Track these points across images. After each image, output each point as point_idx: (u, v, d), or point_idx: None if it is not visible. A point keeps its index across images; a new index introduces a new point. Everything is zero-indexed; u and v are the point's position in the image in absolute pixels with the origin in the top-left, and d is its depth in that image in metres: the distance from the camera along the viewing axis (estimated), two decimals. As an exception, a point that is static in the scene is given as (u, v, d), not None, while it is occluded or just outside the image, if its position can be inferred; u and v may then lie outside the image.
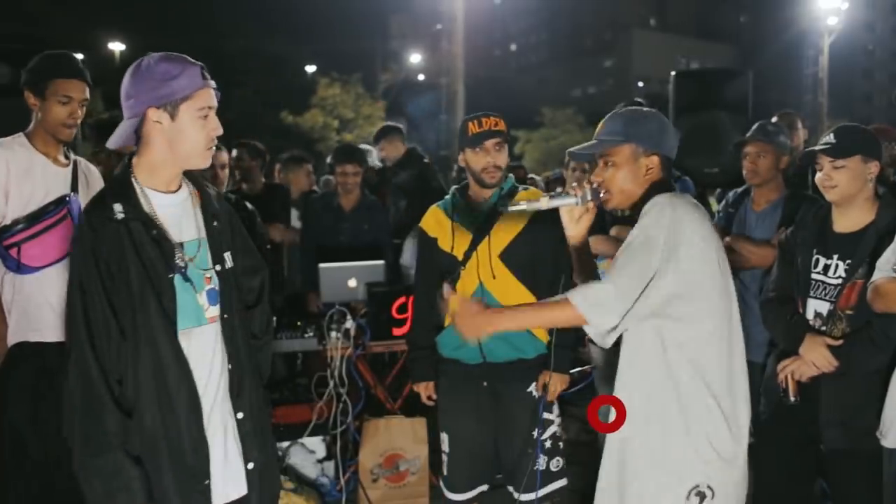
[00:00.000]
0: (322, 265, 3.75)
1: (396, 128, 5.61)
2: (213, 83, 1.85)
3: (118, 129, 1.85)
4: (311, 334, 3.71)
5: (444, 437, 2.88)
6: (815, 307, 2.49)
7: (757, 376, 2.94)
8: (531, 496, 2.70)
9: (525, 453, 2.73)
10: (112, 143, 1.88)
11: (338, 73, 25.32)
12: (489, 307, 1.93)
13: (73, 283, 1.76)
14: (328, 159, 5.21)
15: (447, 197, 2.91)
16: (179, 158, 1.85)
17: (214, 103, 1.86)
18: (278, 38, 28.22)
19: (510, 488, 2.83)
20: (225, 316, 1.89)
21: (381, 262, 3.86)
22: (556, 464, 2.79)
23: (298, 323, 3.83)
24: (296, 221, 4.91)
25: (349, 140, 21.26)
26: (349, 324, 3.68)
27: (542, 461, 2.75)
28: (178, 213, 1.88)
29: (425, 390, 2.93)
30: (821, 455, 2.51)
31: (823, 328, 2.45)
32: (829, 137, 2.48)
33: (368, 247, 4.23)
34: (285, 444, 3.82)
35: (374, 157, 5.78)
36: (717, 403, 1.85)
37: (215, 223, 1.94)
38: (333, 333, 3.65)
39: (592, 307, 1.77)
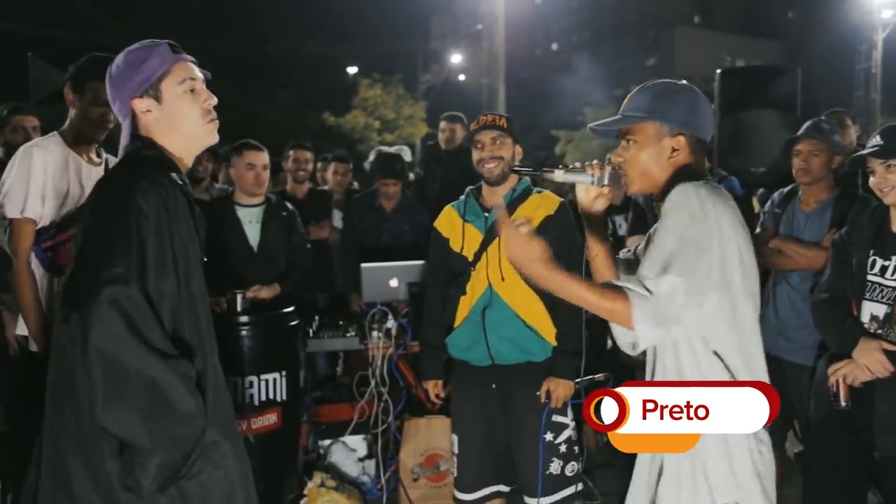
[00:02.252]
0: (364, 265, 3.78)
1: (460, 117, 5.63)
2: (188, 56, 1.80)
3: (121, 137, 1.81)
4: (353, 334, 3.74)
5: (454, 438, 2.88)
6: (871, 310, 2.42)
7: (805, 380, 2.88)
8: (544, 500, 2.69)
9: (534, 457, 2.70)
10: (120, 152, 1.83)
11: (379, 74, 25.45)
12: (547, 258, 1.65)
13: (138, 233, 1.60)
14: (367, 164, 5.26)
15: (461, 197, 2.90)
16: (184, 139, 1.78)
17: (198, 75, 1.79)
18: (320, 40, 28.51)
19: (524, 495, 2.80)
20: None
21: (421, 261, 3.87)
22: (571, 468, 2.75)
23: (340, 322, 3.86)
24: (338, 222, 4.96)
25: (390, 141, 21.39)
26: (390, 323, 3.70)
27: (555, 465, 2.72)
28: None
29: (433, 388, 2.98)
30: (874, 463, 2.44)
31: (879, 331, 2.38)
32: (877, 139, 2.42)
33: (409, 247, 4.25)
34: (327, 442, 3.86)
35: (407, 155, 5.87)
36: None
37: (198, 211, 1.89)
38: (375, 333, 3.67)
39: (643, 311, 1.56)
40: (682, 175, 1.73)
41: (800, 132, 3.17)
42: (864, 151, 2.44)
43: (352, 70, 29.22)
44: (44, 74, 3.75)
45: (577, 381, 2.72)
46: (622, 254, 1.99)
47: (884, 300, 2.39)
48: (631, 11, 51.08)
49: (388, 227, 4.50)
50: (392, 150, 6.24)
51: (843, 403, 2.40)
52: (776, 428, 3.13)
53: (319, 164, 5.84)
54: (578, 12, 54.96)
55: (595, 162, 1.85)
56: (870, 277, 2.43)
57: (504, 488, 2.88)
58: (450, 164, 5.39)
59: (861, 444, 2.42)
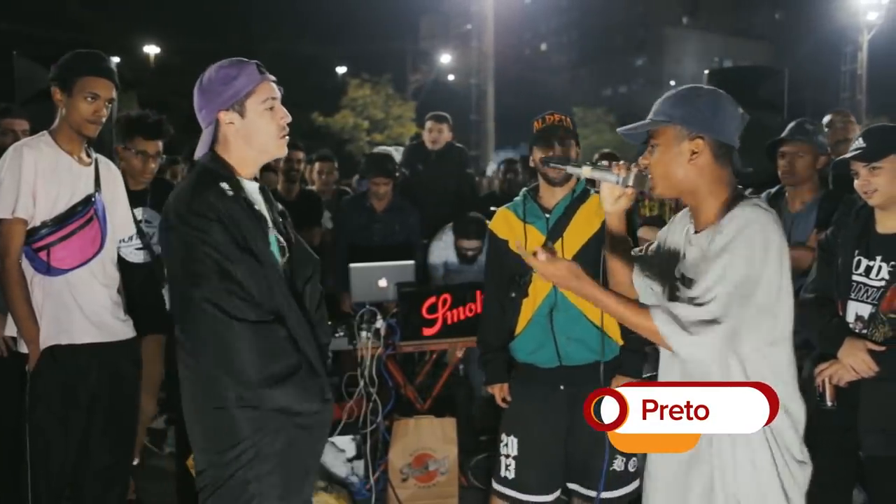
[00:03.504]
0: (353, 265, 3.78)
1: (446, 117, 5.63)
2: (271, 76, 2.02)
3: (201, 139, 2.02)
4: (342, 334, 3.73)
5: (512, 440, 2.80)
6: (857, 310, 2.44)
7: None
8: (609, 495, 2.66)
9: (598, 454, 2.65)
10: (198, 153, 2.04)
11: (368, 74, 25.43)
12: (578, 272, 1.75)
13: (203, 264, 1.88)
14: (361, 163, 5.27)
15: (517, 199, 2.87)
16: (258, 151, 2.03)
17: (277, 94, 2.02)
18: (309, 40, 28.43)
19: (580, 488, 2.77)
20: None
21: (411, 262, 3.87)
22: (633, 464, 2.74)
23: (329, 322, 3.84)
24: (328, 222, 4.96)
25: (379, 141, 21.36)
26: (379, 323, 3.70)
27: (619, 462, 2.70)
28: (259, 200, 2.07)
29: (500, 392, 2.90)
30: (860, 462, 2.46)
31: (864, 331, 2.40)
32: (859, 142, 2.44)
33: (399, 247, 4.25)
34: (316, 442, 3.85)
35: (398, 155, 5.86)
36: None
37: (279, 214, 2.14)
38: (364, 333, 3.67)
39: (674, 331, 1.64)
40: (719, 188, 1.77)
41: (784, 134, 3.20)
42: (848, 155, 2.46)
43: (341, 70, 29.19)
44: (29, 74, 3.73)
45: (643, 377, 2.75)
46: (634, 251, 2.03)
47: (869, 300, 2.41)
48: (620, 12, 51.25)
49: (378, 228, 4.50)
50: (385, 150, 6.26)
51: (829, 403, 2.41)
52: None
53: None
54: (567, 12, 55.08)
55: (622, 162, 1.92)
56: (855, 278, 2.45)
57: (558, 493, 2.84)
58: (438, 163, 5.40)
59: (847, 444, 2.44)
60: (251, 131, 1.99)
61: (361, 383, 3.66)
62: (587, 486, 2.74)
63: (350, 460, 3.87)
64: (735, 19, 52.40)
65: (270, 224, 2.07)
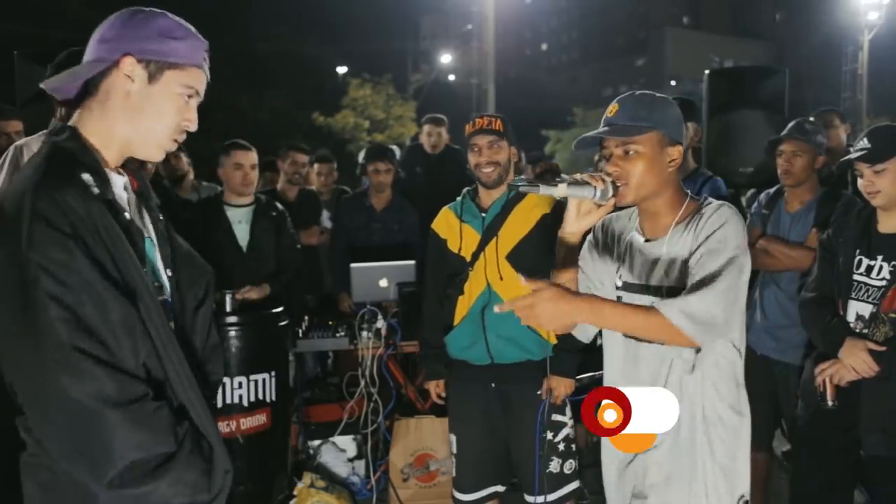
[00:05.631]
0: (353, 265, 3.78)
1: (444, 119, 5.61)
2: (208, 72, 1.54)
3: (66, 72, 1.48)
4: (343, 334, 3.73)
5: (453, 438, 2.89)
6: (857, 309, 2.43)
7: (793, 379, 2.90)
8: (542, 498, 2.70)
9: (533, 456, 2.72)
10: (50, 84, 1.49)
11: (369, 74, 25.44)
12: (569, 293, 1.66)
13: (48, 289, 1.26)
14: (360, 158, 5.28)
15: (458, 198, 2.92)
16: (135, 132, 1.46)
17: (202, 92, 1.53)
18: (310, 40, 28.46)
19: (526, 496, 2.81)
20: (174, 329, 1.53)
21: (411, 261, 3.87)
22: (570, 466, 2.77)
23: (330, 322, 3.86)
24: (327, 222, 4.95)
25: (380, 141, 21.37)
26: (380, 323, 3.70)
27: (555, 464, 2.73)
28: (126, 199, 1.50)
29: (436, 388, 2.99)
30: (861, 462, 2.45)
31: (865, 331, 2.39)
32: (864, 143, 2.43)
33: (399, 247, 4.25)
34: (316, 442, 3.86)
35: (396, 154, 5.87)
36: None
37: (161, 218, 1.60)
38: (364, 333, 3.67)
39: (702, 330, 1.62)
40: (679, 187, 1.80)
41: (783, 133, 3.19)
42: (852, 156, 2.45)
43: (341, 70, 29.20)
44: (30, 74, 3.71)
45: (576, 378, 2.75)
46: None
47: (869, 300, 2.41)
48: (620, 12, 51.24)
49: (377, 227, 4.49)
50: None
51: (829, 403, 2.41)
52: (764, 427, 3.16)
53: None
54: (568, 12, 55.08)
55: (599, 174, 1.73)
56: (856, 277, 2.45)
57: (500, 488, 2.89)
58: (437, 166, 5.37)
59: (848, 443, 2.43)
60: (147, 104, 1.44)
61: (362, 383, 3.66)
62: (526, 489, 2.78)
63: (351, 460, 3.87)
64: (736, 19, 52.36)
65: (150, 234, 1.54)
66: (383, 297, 3.79)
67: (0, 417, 1.45)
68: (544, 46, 58.59)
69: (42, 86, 1.52)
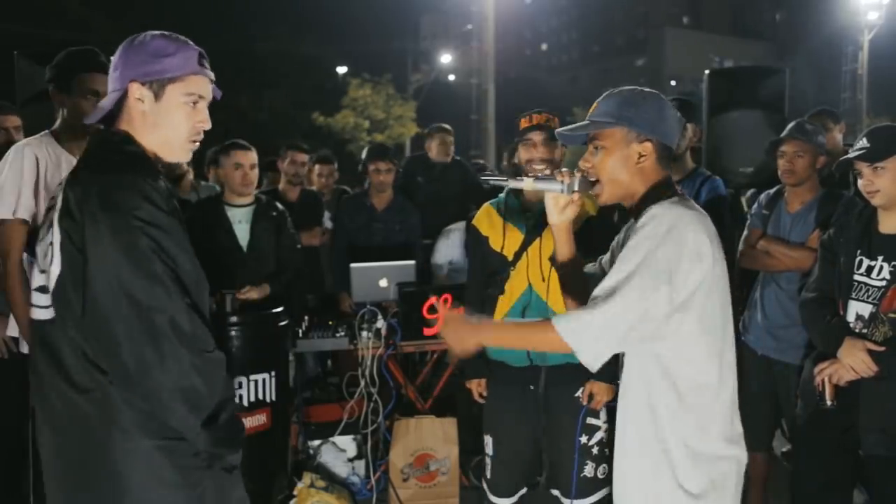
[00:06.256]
0: (354, 265, 3.78)
1: (449, 130, 5.45)
2: (210, 73, 1.73)
3: (100, 103, 1.74)
4: (343, 334, 3.73)
5: (489, 439, 2.84)
6: (857, 309, 2.43)
7: (793, 379, 2.90)
8: (580, 502, 2.68)
9: (570, 459, 2.69)
10: (92, 118, 1.74)
11: (369, 74, 25.44)
12: (477, 320, 1.82)
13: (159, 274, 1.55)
14: (363, 157, 5.27)
15: (500, 195, 2.87)
16: (157, 144, 1.70)
17: (208, 93, 1.73)
18: (310, 40, 28.41)
19: (555, 492, 2.80)
20: None
21: (412, 262, 3.87)
22: (603, 471, 2.73)
23: (330, 322, 3.86)
24: (328, 222, 4.95)
25: (380, 141, 21.37)
26: (380, 323, 3.70)
27: (589, 468, 2.71)
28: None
29: (477, 387, 2.92)
30: (860, 461, 2.46)
31: (864, 331, 2.40)
32: (863, 142, 2.43)
33: (400, 247, 4.25)
34: (316, 442, 3.86)
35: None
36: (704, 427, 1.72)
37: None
38: (364, 333, 3.67)
39: (577, 336, 1.62)
40: (655, 191, 1.74)
41: (784, 133, 3.19)
42: (852, 155, 2.45)
43: (341, 70, 29.19)
44: (30, 74, 3.72)
45: (615, 383, 2.73)
46: (589, 267, 1.98)
47: (869, 300, 2.41)
48: (620, 12, 51.26)
49: (378, 227, 4.49)
50: None
51: (828, 403, 2.41)
52: (764, 427, 3.16)
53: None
54: (568, 12, 55.08)
55: (564, 170, 1.83)
56: (856, 277, 2.45)
57: (526, 489, 2.87)
58: (441, 177, 5.30)
59: (847, 443, 2.44)
60: (160, 120, 1.67)
61: (362, 383, 3.66)
62: (563, 492, 2.76)
63: (351, 460, 3.87)
64: (736, 19, 52.37)
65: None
66: (383, 297, 3.79)
67: (0, 418, 1.49)
68: (544, 46, 58.58)
69: (85, 122, 1.80)
